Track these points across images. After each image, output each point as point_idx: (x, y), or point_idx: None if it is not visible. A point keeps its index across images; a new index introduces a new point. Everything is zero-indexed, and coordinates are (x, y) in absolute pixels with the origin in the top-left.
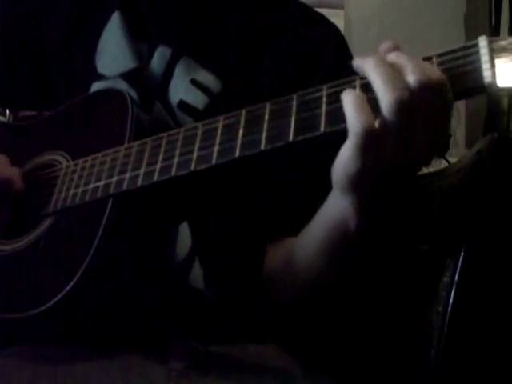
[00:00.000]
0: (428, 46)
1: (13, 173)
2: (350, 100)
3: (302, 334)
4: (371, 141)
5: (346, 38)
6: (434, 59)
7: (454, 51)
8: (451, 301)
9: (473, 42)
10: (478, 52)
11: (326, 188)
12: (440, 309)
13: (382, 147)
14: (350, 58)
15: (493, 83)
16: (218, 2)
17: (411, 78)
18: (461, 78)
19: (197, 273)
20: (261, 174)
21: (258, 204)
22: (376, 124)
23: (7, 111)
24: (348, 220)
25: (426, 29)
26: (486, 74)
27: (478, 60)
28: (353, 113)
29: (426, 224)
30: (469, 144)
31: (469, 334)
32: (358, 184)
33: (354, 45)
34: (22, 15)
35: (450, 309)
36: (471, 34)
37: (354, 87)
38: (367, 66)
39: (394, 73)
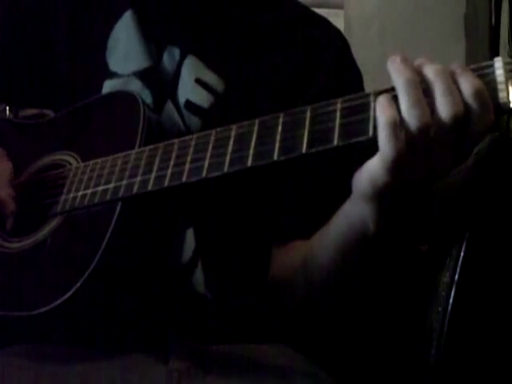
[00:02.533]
0: (428, 46)
1: (6, 195)
2: (385, 122)
3: (304, 334)
4: (400, 162)
5: (346, 37)
6: None
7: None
8: (451, 301)
9: (488, 63)
10: (493, 72)
11: (340, 192)
12: (440, 309)
13: (412, 166)
14: (353, 61)
15: (508, 104)
16: (221, 2)
17: (440, 108)
18: None
19: (199, 277)
20: (272, 178)
21: (266, 208)
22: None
23: (7, 110)
24: (368, 223)
25: (426, 29)
26: (502, 95)
27: (494, 80)
28: (386, 137)
29: (425, 224)
30: None
31: (469, 334)
32: (383, 195)
33: (354, 45)
34: (28, 11)
35: (449, 309)
36: (471, 34)
37: (369, 102)
38: (395, 73)
39: (422, 99)
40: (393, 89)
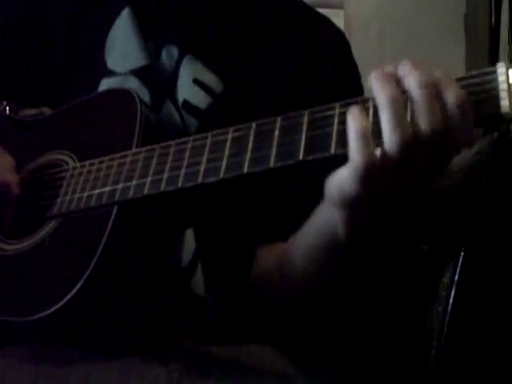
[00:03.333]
0: (428, 47)
1: (11, 178)
2: (354, 129)
3: (301, 334)
4: (370, 173)
5: (346, 37)
6: None
7: (471, 77)
8: (451, 301)
9: (490, 69)
10: (496, 79)
11: (317, 196)
12: (440, 309)
13: (381, 177)
14: (353, 63)
15: (510, 113)
16: (221, 2)
17: (421, 125)
18: (478, 106)
19: (198, 279)
20: (257, 181)
21: (252, 210)
22: (378, 154)
23: (7, 109)
24: (337, 228)
25: (426, 29)
26: (504, 104)
27: (496, 88)
28: (357, 147)
29: (426, 224)
30: None
31: (469, 334)
32: (351, 204)
33: (354, 45)
34: (26, 9)
35: (449, 309)
36: (471, 34)
37: (368, 108)
38: (378, 91)
39: (401, 109)
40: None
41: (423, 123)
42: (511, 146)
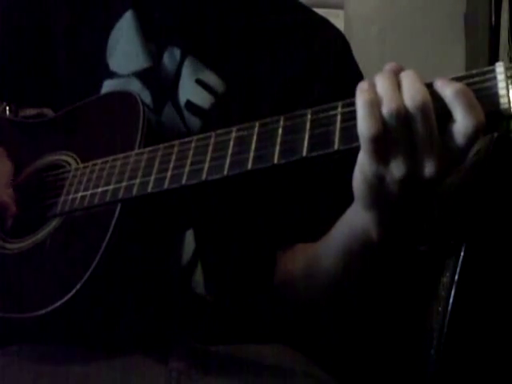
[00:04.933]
0: (428, 46)
1: (6, 198)
2: (361, 104)
3: (305, 335)
4: (379, 146)
5: (346, 38)
6: None
7: (470, 76)
8: (451, 301)
9: (489, 68)
10: (494, 78)
11: (345, 197)
12: (440, 309)
13: (392, 155)
14: (354, 63)
15: (509, 109)
16: (222, 4)
17: (384, 110)
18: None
19: (198, 278)
20: (276, 179)
21: (271, 211)
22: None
23: (7, 109)
24: (369, 232)
25: (426, 29)
26: (503, 101)
27: (495, 86)
28: (362, 114)
29: (426, 224)
30: None
31: (469, 334)
32: (379, 198)
33: (353, 45)
34: (28, 10)
35: (449, 309)
36: (471, 34)
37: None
38: (357, 92)
39: (372, 107)
40: None
41: (385, 114)
42: (511, 145)
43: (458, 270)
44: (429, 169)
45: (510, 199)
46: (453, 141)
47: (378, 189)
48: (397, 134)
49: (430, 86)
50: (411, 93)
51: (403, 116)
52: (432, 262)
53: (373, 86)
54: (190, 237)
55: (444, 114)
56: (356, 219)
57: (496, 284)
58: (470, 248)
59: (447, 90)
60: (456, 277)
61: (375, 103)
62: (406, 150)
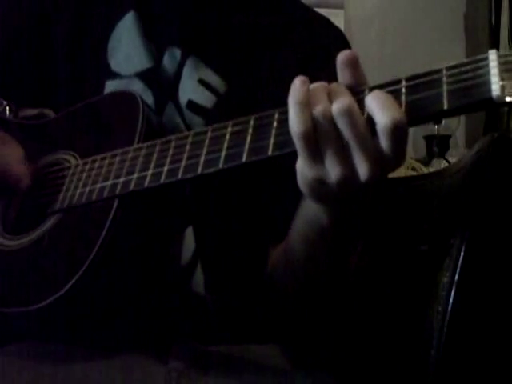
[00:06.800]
0: (428, 46)
1: (23, 170)
2: (292, 98)
3: (303, 333)
4: (310, 144)
5: (346, 38)
6: (444, 72)
7: (463, 64)
8: (451, 301)
9: (483, 56)
10: (487, 65)
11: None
12: (440, 309)
13: (326, 157)
14: None
15: (501, 97)
16: (223, 4)
17: (314, 110)
18: (469, 91)
19: (198, 278)
20: (270, 177)
21: (265, 208)
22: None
23: (7, 109)
24: (321, 221)
25: (426, 29)
26: (495, 88)
27: (487, 73)
28: (292, 111)
29: (425, 224)
30: (469, 144)
31: (469, 334)
32: (322, 197)
33: (354, 45)
34: (28, 10)
35: (449, 309)
36: (471, 34)
37: (363, 98)
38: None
39: (305, 107)
40: (388, 84)
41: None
42: (511, 145)
43: (458, 270)
44: (363, 171)
45: (509, 199)
46: (380, 142)
47: (320, 190)
48: (326, 134)
49: (358, 94)
50: (337, 96)
51: (329, 117)
52: (432, 262)
53: (306, 84)
54: (189, 237)
55: (370, 119)
56: (308, 210)
57: (496, 284)
58: (470, 248)
59: (367, 98)
60: (456, 277)
61: (306, 103)
62: (338, 152)
